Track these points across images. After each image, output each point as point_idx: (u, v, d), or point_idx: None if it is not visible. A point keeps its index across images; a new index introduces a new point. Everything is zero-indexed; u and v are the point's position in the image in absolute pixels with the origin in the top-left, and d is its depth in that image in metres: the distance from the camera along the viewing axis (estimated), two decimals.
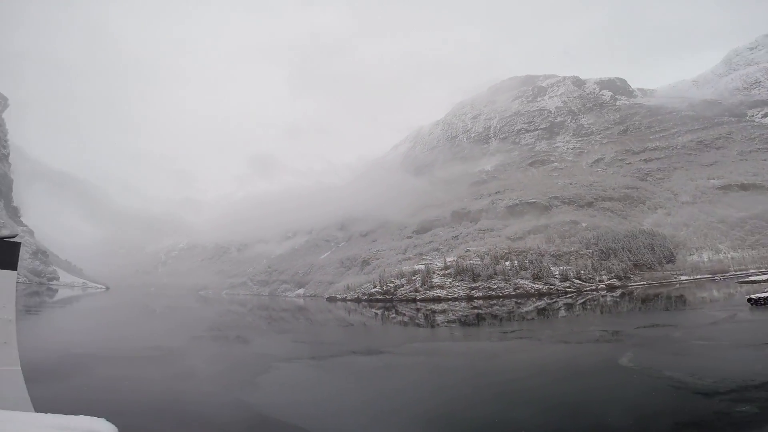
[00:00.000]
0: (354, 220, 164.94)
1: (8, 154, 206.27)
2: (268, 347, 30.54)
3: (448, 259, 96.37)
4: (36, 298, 76.87)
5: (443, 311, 61.73)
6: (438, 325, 47.34)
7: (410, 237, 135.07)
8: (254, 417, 13.24)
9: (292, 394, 16.62)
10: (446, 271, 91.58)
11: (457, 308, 65.52)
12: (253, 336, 39.33)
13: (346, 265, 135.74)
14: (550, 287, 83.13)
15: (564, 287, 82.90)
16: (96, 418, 1.87)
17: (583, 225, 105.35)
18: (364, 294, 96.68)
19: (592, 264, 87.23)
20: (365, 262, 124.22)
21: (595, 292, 78.35)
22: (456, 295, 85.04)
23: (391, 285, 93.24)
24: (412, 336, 39.79)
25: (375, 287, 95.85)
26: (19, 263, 4.88)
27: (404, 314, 61.24)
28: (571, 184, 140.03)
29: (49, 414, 1.78)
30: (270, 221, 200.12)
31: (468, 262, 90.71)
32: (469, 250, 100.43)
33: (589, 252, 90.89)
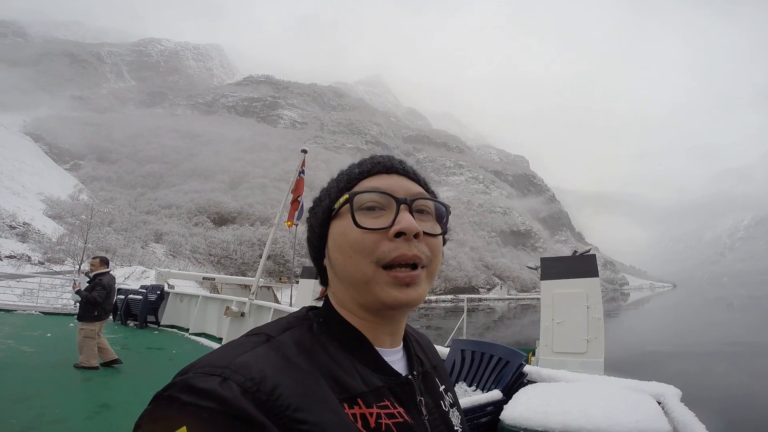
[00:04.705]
0: None
1: (553, 195, 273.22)
2: None
3: None
4: (613, 303, 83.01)
5: None
6: None
7: None
8: None
9: None
10: None
11: None
12: None
13: None
14: None
15: None
16: (664, 384, 2.11)
17: None
18: None
19: None
20: None
21: None
22: None
23: None
24: None
25: None
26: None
27: None
28: None
29: (621, 378, 2.20)
30: None
31: None
32: None
33: None
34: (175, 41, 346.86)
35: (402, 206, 0.56)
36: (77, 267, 29.36)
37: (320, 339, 0.54)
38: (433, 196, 0.63)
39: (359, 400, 0.50)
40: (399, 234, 0.54)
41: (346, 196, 0.57)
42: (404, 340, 0.65)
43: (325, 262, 0.62)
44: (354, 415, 0.48)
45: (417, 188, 0.61)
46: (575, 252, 7.04)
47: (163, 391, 0.43)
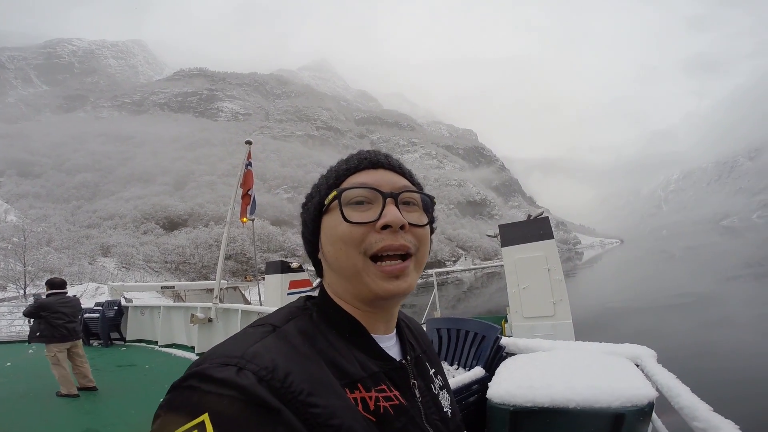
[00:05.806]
0: None
1: (503, 164, 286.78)
2: None
3: None
4: (570, 263, 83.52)
5: None
6: None
7: None
8: None
9: None
10: None
11: None
12: None
13: None
14: None
15: None
16: (638, 345, 2.06)
17: None
18: None
19: None
20: None
21: None
22: None
23: None
24: None
25: None
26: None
27: None
28: None
29: (595, 343, 2.27)
30: None
31: None
32: None
33: None
34: (89, 40, 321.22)
35: (388, 200, 0.58)
36: (22, 292, 26.86)
37: (320, 327, 0.57)
38: (418, 188, 0.64)
39: (359, 385, 0.53)
40: (385, 227, 0.56)
41: (335, 192, 0.59)
42: (397, 326, 0.67)
43: (320, 255, 0.63)
44: (355, 399, 0.51)
45: (403, 181, 0.62)
46: (529, 216, 7.37)
47: (180, 382, 0.45)
